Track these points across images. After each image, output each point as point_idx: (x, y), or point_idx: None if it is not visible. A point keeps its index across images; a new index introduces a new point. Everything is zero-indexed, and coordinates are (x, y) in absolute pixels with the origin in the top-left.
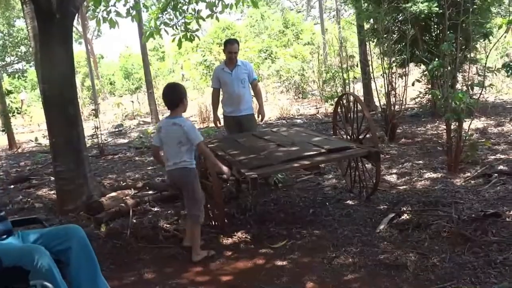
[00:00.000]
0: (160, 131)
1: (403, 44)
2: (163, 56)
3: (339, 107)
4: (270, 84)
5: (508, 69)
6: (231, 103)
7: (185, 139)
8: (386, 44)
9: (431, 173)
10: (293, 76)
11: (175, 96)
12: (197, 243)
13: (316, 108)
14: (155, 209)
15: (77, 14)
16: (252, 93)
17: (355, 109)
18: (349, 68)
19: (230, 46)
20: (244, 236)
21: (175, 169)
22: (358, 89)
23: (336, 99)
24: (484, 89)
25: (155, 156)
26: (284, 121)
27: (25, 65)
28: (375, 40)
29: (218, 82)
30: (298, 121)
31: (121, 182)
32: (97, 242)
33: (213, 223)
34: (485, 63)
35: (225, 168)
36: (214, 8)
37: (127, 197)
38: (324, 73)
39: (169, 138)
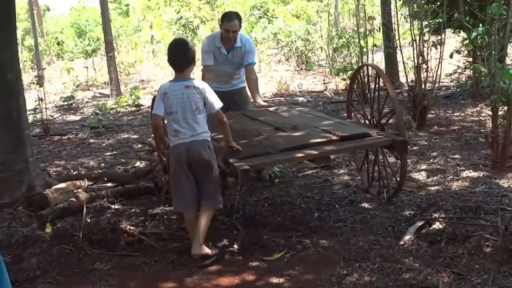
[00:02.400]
0: (166, 97)
1: (439, 4)
2: (126, 10)
3: (355, 83)
4: (265, 50)
5: None
6: (218, 80)
7: (202, 105)
8: (416, 3)
9: (471, 171)
10: (295, 41)
11: (187, 54)
12: (206, 232)
13: (324, 83)
14: (115, 206)
15: None
16: (244, 78)
17: (376, 85)
18: (368, 32)
19: (228, 23)
20: (229, 245)
21: (193, 141)
22: (378, 60)
23: (352, 73)
24: None
25: (157, 127)
26: (282, 98)
27: None
28: None
29: (213, 58)
30: (301, 99)
31: (72, 170)
32: (40, 246)
33: None
34: None
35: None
36: None
37: (79, 190)
38: (335, 38)
39: (182, 104)
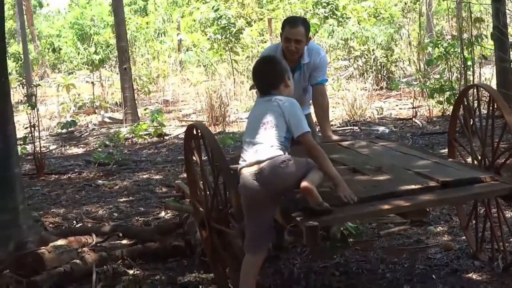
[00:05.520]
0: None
1: None
2: (145, 7)
3: (460, 109)
4: (332, 62)
5: None
6: None
7: (281, 123)
8: None
9: None
10: (373, 51)
11: (275, 74)
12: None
13: (413, 107)
14: (133, 271)
15: None
16: (311, 102)
17: (490, 113)
18: (473, 40)
19: (290, 29)
20: None
21: (268, 165)
22: (487, 76)
23: (449, 94)
24: None
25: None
26: (356, 128)
27: None
28: None
29: None
30: (381, 129)
31: (74, 222)
32: None
33: None
34: None
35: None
36: None
37: (84, 249)
38: (428, 47)
39: (258, 118)
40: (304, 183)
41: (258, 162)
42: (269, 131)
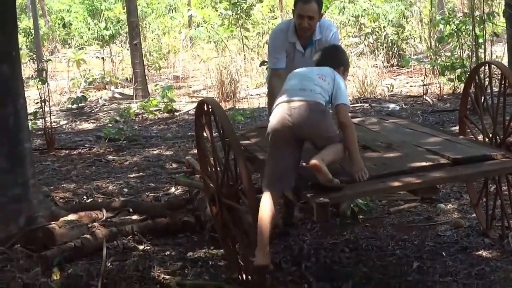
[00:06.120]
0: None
1: None
2: None
3: (471, 86)
4: (343, 39)
5: None
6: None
7: (330, 86)
8: None
9: None
10: (384, 28)
11: (341, 59)
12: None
13: (424, 85)
14: (143, 247)
15: None
16: None
17: (501, 90)
18: (485, 17)
19: (303, 5)
20: None
21: (309, 106)
22: (498, 54)
23: (460, 72)
24: None
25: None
26: (366, 105)
27: None
28: None
29: (284, 57)
30: (392, 106)
31: (85, 197)
32: None
33: (244, 277)
34: None
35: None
36: None
37: (95, 224)
38: (439, 24)
39: (311, 71)
40: (313, 161)
41: (300, 100)
42: (321, 82)
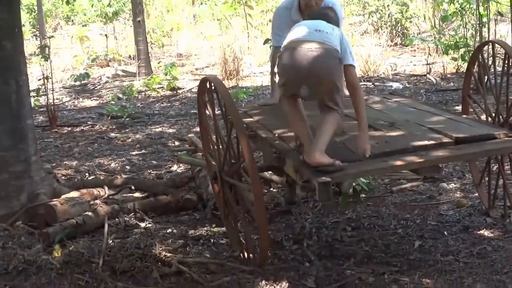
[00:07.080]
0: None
1: None
2: None
3: (475, 65)
4: (346, 18)
5: None
6: None
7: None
8: None
9: None
10: (388, 6)
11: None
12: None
13: (427, 63)
14: (145, 224)
15: None
16: None
17: (505, 69)
18: None
19: None
20: (299, 282)
21: (329, 51)
22: (502, 33)
23: (464, 51)
24: None
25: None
26: (370, 83)
27: None
28: None
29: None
30: (395, 85)
31: (87, 174)
32: (46, 275)
33: (246, 255)
34: None
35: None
36: None
37: (97, 202)
38: (443, 3)
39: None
40: (315, 160)
41: (319, 43)
42: (332, 31)
